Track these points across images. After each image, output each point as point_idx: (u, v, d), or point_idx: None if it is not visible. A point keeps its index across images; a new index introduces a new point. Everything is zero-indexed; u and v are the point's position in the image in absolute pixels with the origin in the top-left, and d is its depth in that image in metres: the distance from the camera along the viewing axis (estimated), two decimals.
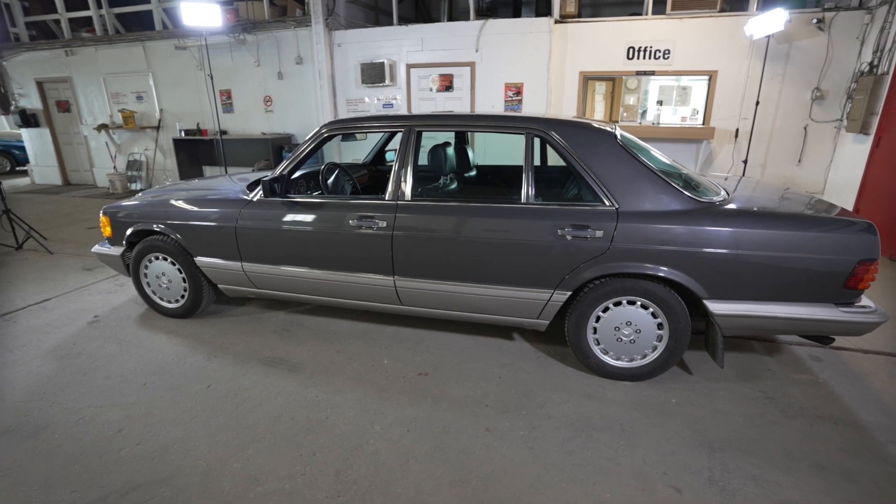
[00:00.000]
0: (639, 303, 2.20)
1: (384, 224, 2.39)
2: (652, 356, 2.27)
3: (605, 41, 5.57)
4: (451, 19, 8.18)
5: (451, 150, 2.73)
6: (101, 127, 7.75)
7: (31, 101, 8.37)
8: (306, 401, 2.22)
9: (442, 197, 2.44)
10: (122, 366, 2.52)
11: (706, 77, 5.41)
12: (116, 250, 3.03)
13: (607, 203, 2.14)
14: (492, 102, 6.08)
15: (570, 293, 2.23)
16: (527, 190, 2.25)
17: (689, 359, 2.56)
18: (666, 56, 5.41)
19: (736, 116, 5.36)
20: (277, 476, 1.76)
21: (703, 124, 5.51)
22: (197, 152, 7.51)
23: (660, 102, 5.67)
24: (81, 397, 2.26)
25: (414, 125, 2.44)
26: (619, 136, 2.23)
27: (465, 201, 2.33)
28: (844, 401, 2.21)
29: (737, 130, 5.37)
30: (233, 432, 2.01)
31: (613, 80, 7.35)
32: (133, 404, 2.20)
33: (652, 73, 5.53)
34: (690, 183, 2.34)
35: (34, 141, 8.66)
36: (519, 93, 5.92)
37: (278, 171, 2.63)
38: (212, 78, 5.97)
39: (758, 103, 4.97)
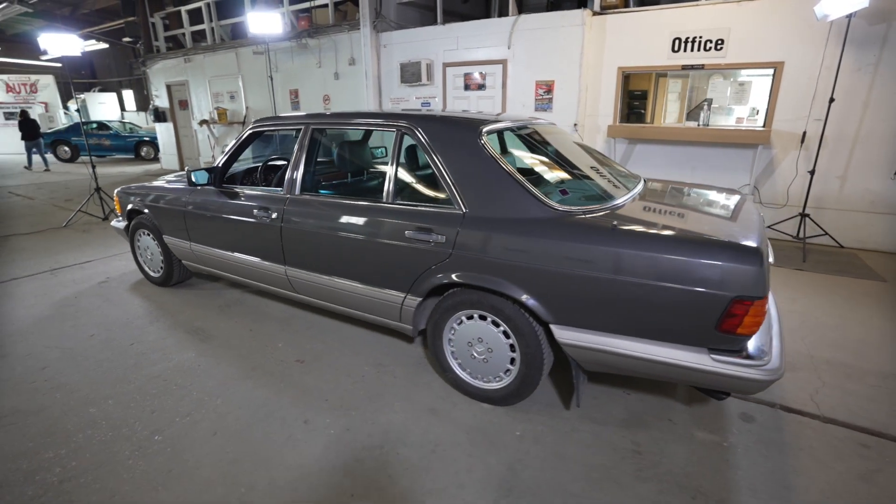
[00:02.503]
0: (490, 319, 2.01)
1: (275, 216, 2.53)
2: (506, 380, 2.06)
3: (646, 33, 4.96)
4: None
5: (364, 149, 2.75)
6: (203, 122, 9.20)
7: (162, 101, 10.27)
8: (189, 368, 2.47)
9: (328, 194, 2.48)
10: (91, 318, 3.07)
11: (769, 71, 4.51)
12: (122, 224, 3.65)
13: (456, 207, 2.00)
14: (522, 101, 5.82)
15: (420, 299, 2.13)
16: (388, 188, 2.19)
17: (589, 392, 2.24)
18: (718, 47, 4.63)
19: (804, 117, 4.38)
20: (111, 425, 2.02)
21: (764, 126, 4.60)
22: (267, 145, 8.49)
23: (708, 101, 4.88)
24: (44, 338, 2.81)
25: (310, 123, 2.54)
26: (483, 133, 2.05)
27: (339, 198, 2.36)
28: (735, 475, 1.75)
29: (804, 134, 4.39)
30: (113, 384, 2.33)
31: (689, 78, 6.53)
32: (71, 349, 2.68)
33: (701, 66, 4.79)
34: (586, 188, 2.06)
35: (163, 134, 10.64)
36: (549, 91, 5.58)
37: (216, 162, 2.93)
38: (272, 79, 6.73)
39: (832, 100, 4.00)
